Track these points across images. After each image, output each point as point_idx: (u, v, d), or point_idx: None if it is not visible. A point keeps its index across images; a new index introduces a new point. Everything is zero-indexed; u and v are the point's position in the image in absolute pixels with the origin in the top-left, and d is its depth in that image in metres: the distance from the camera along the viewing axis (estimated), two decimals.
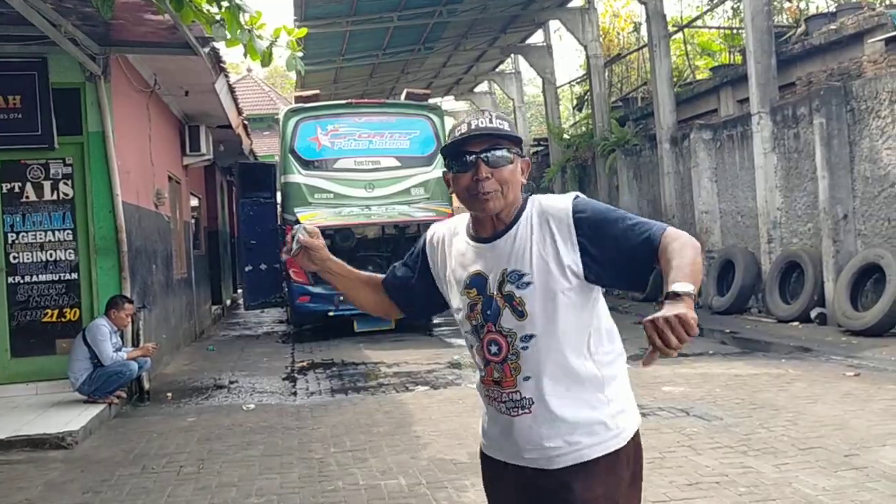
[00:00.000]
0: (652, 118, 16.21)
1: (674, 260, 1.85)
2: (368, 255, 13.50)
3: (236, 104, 12.73)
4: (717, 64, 16.30)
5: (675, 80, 16.26)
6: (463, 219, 2.18)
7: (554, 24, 21.11)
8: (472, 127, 2.02)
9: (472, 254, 2.08)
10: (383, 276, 2.36)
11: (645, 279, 2.01)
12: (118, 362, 7.18)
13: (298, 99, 13.41)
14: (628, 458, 2.06)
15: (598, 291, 2.07)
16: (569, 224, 1.98)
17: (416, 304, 2.32)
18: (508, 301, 2.01)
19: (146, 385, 8.03)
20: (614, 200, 17.34)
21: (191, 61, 8.98)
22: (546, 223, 2.01)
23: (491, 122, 2.02)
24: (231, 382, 9.04)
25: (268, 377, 9.32)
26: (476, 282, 2.06)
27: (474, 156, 2.00)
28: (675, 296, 1.75)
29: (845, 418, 6.01)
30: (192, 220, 14.21)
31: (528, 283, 1.99)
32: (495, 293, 2.03)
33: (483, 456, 2.22)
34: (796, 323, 11.05)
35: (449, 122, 14.78)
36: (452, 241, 2.16)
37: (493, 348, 2.06)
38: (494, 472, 2.17)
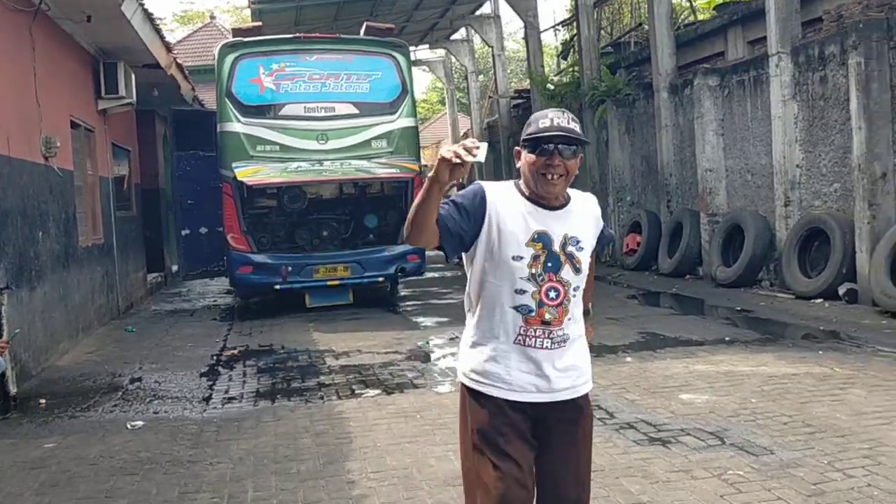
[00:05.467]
0: (647, 64, 14.37)
1: None
2: (323, 218, 11.59)
3: (161, 37, 10.67)
4: (722, 1, 14.38)
5: (674, 21, 14.35)
6: (507, 185, 2.61)
7: None
8: (555, 124, 2.50)
9: (537, 215, 2.54)
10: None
11: None
12: None
13: (237, 32, 11.36)
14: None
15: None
16: (597, 223, 2.71)
17: (455, 243, 2.52)
18: (570, 258, 2.57)
19: (11, 389, 6.17)
20: (603, 157, 15.57)
21: None
22: (591, 212, 2.69)
23: (569, 123, 2.51)
24: (133, 381, 7.19)
25: (183, 372, 7.49)
26: (542, 238, 2.53)
27: (552, 145, 2.49)
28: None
29: None
30: (116, 176, 12.15)
31: (582, 248, 2.61)
32: (559, 251, 2.54)
33: (501, 402, 2.52)
34: (820, 300, 9.41)
35: (418, 72, 12.82)
36: (506, 200, 2.54)
37: (553, 294, 2.54)
38: (513, 413, 2.51)
